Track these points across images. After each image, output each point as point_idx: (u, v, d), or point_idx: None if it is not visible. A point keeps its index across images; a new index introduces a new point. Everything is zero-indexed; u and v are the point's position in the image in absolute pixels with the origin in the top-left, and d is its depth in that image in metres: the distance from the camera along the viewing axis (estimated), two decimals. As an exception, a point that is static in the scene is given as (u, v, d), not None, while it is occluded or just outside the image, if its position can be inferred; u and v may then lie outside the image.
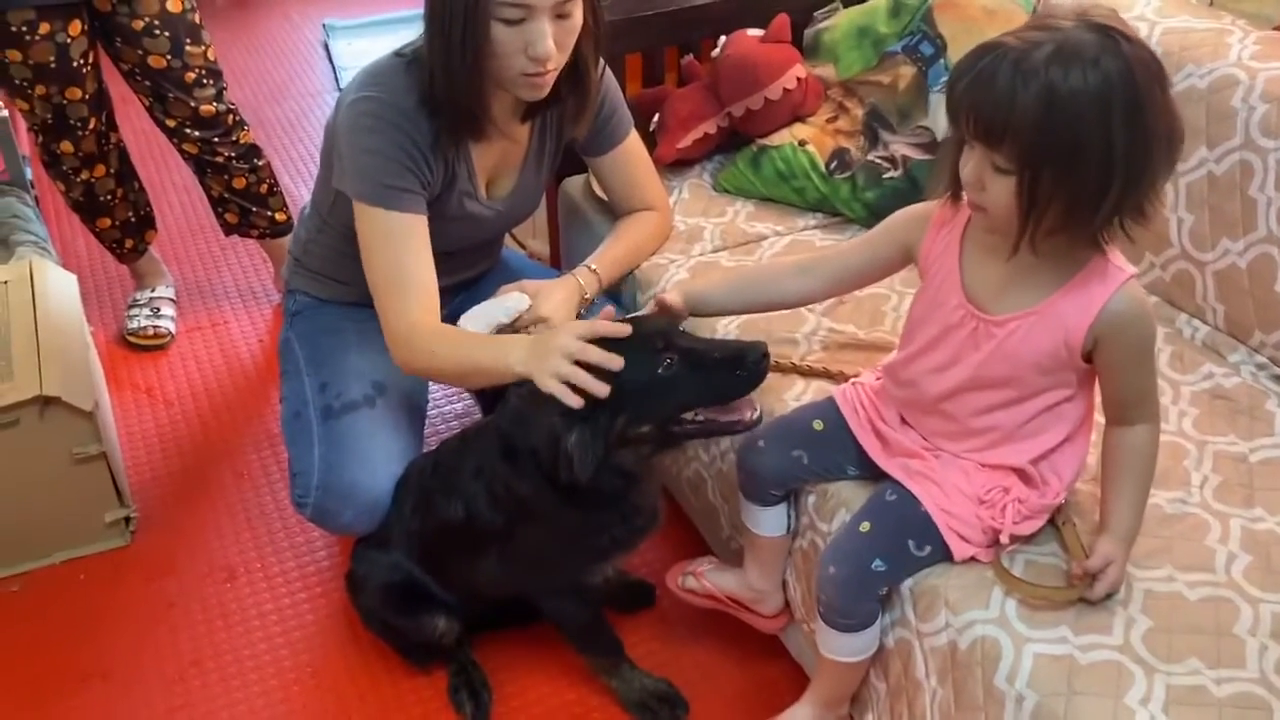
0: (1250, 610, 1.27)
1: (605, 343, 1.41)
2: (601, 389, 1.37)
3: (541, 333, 1.65)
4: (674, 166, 2.16)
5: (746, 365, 1.39)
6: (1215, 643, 1.24)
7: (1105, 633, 1.25)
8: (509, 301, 1.75)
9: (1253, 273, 1.61)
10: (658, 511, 1.58)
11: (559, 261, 2.32)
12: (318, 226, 1.87)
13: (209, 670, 1.80)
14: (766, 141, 2.08)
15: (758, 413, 1.44)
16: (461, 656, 1.75)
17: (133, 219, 2.49)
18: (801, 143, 2.05)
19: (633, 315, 1.46)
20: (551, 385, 1.39)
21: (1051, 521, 1.38)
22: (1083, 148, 1.12)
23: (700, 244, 1.97)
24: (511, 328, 1.70)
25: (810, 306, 1.76)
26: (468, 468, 1.55)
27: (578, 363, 1.39)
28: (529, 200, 1.87)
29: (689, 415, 1.43)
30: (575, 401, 1.37)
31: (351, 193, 1.63)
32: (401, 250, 1.62)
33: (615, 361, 1.38)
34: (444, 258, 1.76)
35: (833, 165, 2.01)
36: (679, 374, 1.39)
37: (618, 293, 1.95)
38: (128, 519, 2.02)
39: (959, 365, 1.33)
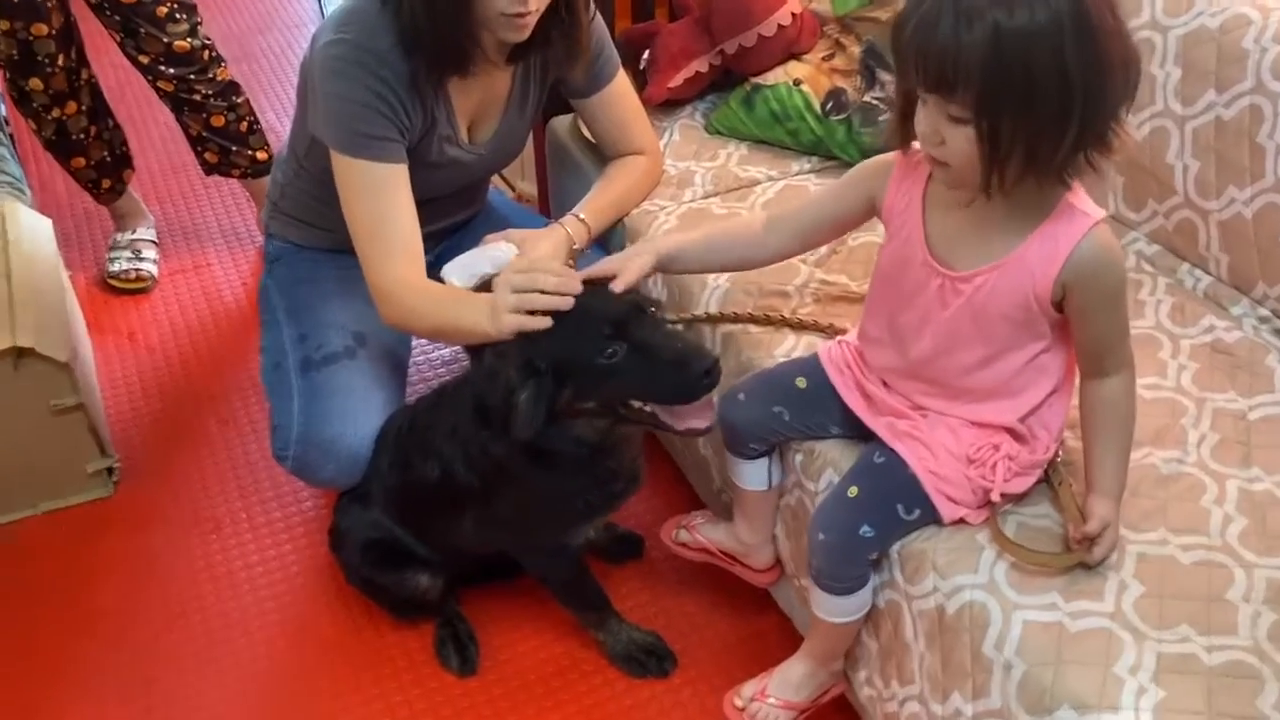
0: (1244, 575, 1.24)
1: (573, 315, 1.37)
2: (543, 323, 1.35)
3: None
4: (665, 107, 2.09)
5: (690, 374, 1.33)
6: (1207, 609, 1.21)
7: (1096, 598, 1.23)
8: (494, 251, 1.70)
9: (1258, 222, 1.55)
10: (638, 474, 1.55)
11: (547, 204, 2.26)
12: (294, 170, 1.81)
13: (194, 624, 1.79)
14: (760, 80, 2.01)
15: (708, 424, 1.39)
16: (448, 610, 1.74)
17: (108, 158, 2.42)
18: (796, 82, 1.98)
19: (600, 288, 1.40)
20: (510, 324, 1.36)
21: (1046, 480, 1.35)
22: (1038, 85, 1.08)
23: (691, 189, 1.91)
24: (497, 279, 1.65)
25: (802, 257, 1.70)
26: (443, 427, 1.52)
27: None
28: (513, 144, 1.81)
29: (638, 405, 1.39)
30: (539, 323, 1.36)
31: (328, 141, 1.57)
32: (382, 202, 1.57)
33: (564, 303, 1.36)
34: (427, 204, 1.70)
35: (828, 106, 1.94)
36: (623, 365, 1.34)
37: (605, 241, 1.90)
38: (110, 469, 1.99)
39: (929, 324, 1.30)
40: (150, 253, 2.53)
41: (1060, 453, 1.37)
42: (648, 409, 1.38)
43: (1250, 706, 1.12)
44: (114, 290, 2.47)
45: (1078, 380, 1.32)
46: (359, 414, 1.65)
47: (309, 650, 1.75)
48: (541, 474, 1.45)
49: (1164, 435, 1.42)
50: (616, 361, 1.33)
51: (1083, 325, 1.26)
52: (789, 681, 1.49)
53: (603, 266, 1.44)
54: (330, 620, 1.79)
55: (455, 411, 1.51)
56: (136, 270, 2.48)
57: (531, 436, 1.35)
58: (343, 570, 1.76)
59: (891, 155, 1.34)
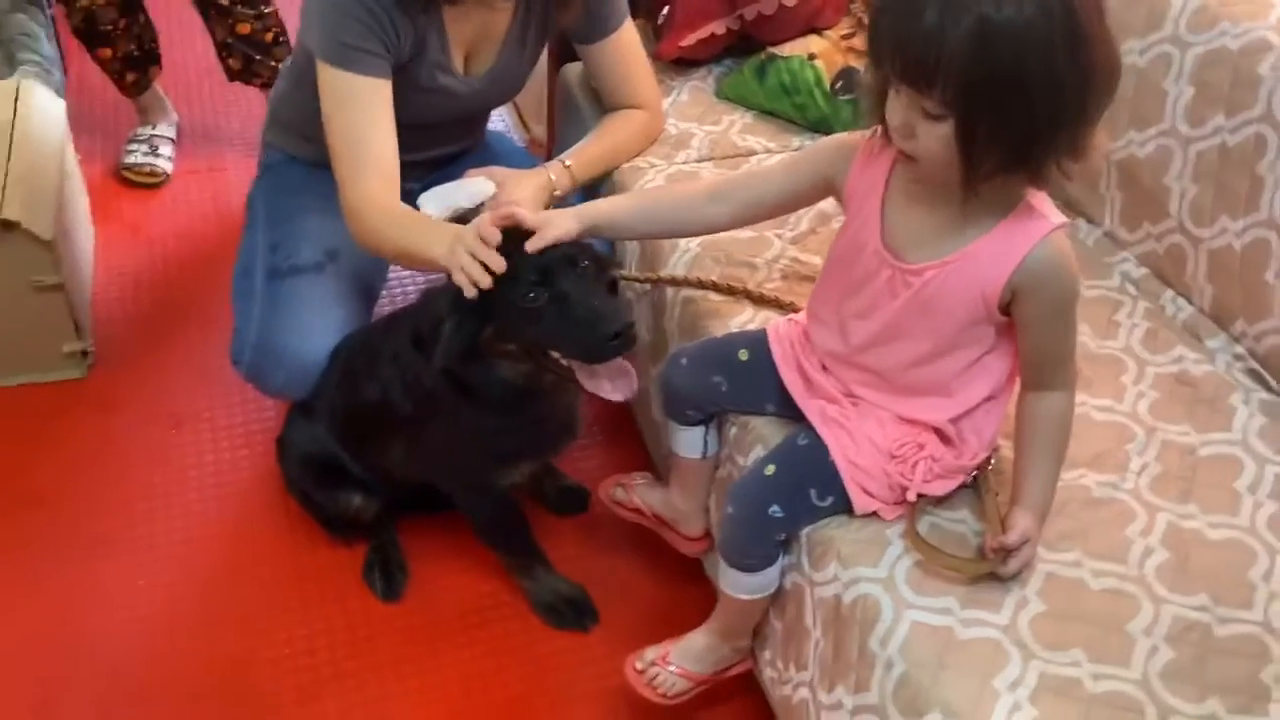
0: (1151, 609, 1.21)
1: (508, 242, 1.35)
2: (476, 286, 1.32)
3: None
4: (679, 66, 2.06)
5: (598, 334, 1.30)
6: (1104, 636, 1.18)
7: (993, 609, 1.20)
8: (472, 186, 1.69)
9: (1246, 256, 1.50)
10: (572, 426, 1.55)
11: (552, 150, 2.24)
12: (295, 80, 1.81)
13: (137, 511, 1.82)
14: (776, 51, 1.97)
15: (621, 395, 1.36)
16: (383, 535, 1.75)
17: (135, 52, 2.45)
18: (811, 56, 1.94)
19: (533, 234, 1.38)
20: (457, 275, 1.35)
21: (974, 486, 1.32)
22: (1022, 86, 1.04)
23: (686, 151, 1.88)
24: (475, 213, 1.64)
25: (777, 232, 1.68)
26: (388, 351, 1.53)
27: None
28: (510, 81, 1.79)
29: (557, 356, 1.37)
30: (468, 291, 1.33)
31: (313, 47, 1.57)
32: (360, 117, 1.57)
33: (497, 263, 1.32)
34: (418, 130, 1.70)
35: (838, 85, 1.90)
36: (542, 312, 1.33)
37: (593, 193, 1.88)
38: (85, 352, 2.03)
39: (876, 313, 1.26)
40: (167, 149, 2.56)
41: (993, 461, 1.33)
42: (565, 363, 1.37)
43: (1123, 738, 1.10)
44: (127, 182, 2.51)
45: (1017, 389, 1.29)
46: (315, 328, 1.66)
47: (244, 553, 1.78)
48: (467, 409, 1.45)
49: (1104, 459, 1.38)
50: (536, 306, 1.32)
51: (1028, 333, 1.23)
52: (691, 651, 1.48)
53: (527, 219, 1.40)
54: (269, 528, 1.81)
55: (400, 337, 1.52)
56: (151, 165, 2.51)
57: (451, 366, 1.35)
58: (285, 481, 1.78)
59: (855, 136, 1.30)
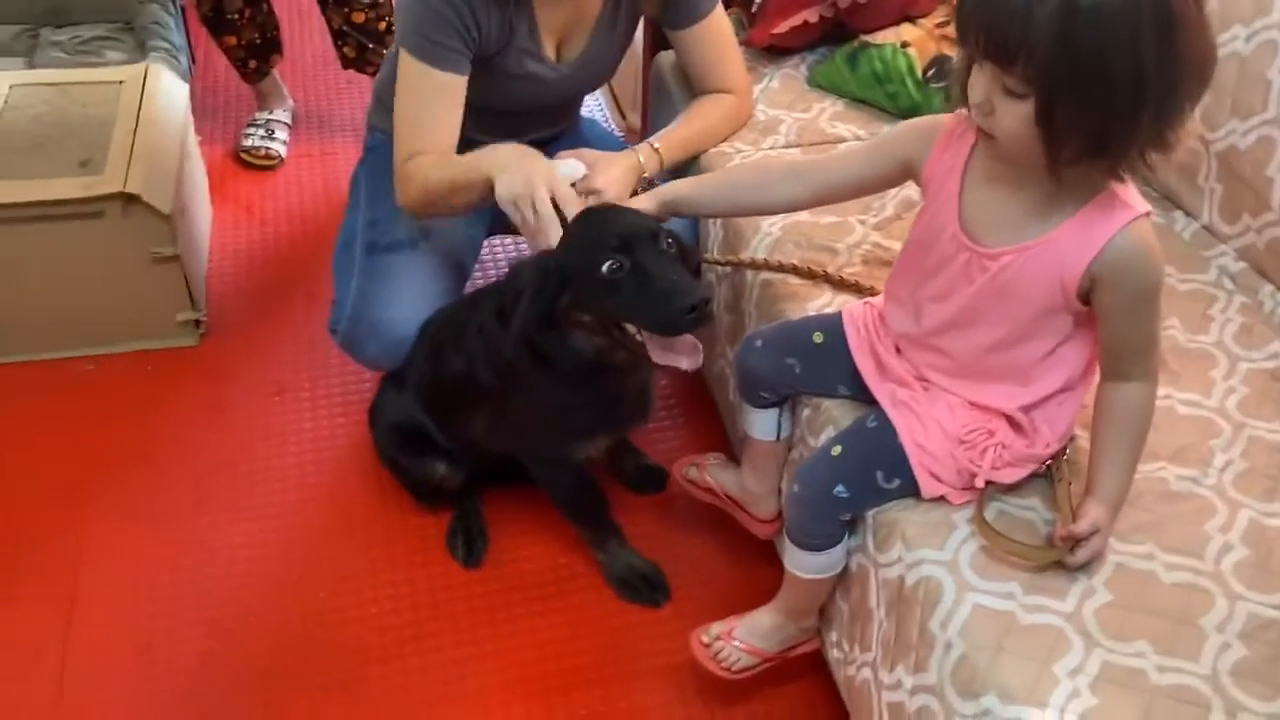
0: (1226, 605, 1.18)
1: (587, 225, 1.40)
2: (543, 220, 1.41)
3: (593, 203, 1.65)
4: (771, 54, 2.07)
5: (675, 306, 1.33)
6: (1173, 630, 1.16)
7: (1058, 597, 1.19)
8: (563, 167, 1.73)
9: (1351, 251, 1.44)
10: (646, 406, 1.58)
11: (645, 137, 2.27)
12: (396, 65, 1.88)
13: (239, 473, 1.92)
14: (869, 39, 1.96)
15: (687, 365, 1.39)
16: (466, 504, 1.81)
17: (258, 40, 2.57)
18: (904, 44, 1.93)
19: (622, 207, 1.42)
20: (505, 201, 1.41)
21: (1046, 474, 1.31)
22: (1107, 70, 1.02)
23: (773, 138, 1.90)
24: None
25: (861, 217, 1.68)
26: (473, 323, 1.58)
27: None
28: (599, 67, 1.83)
29: (631, 330, 1.40)
30: (529, 220, 1.42)
31: (397, 33, 1.64)
32: (427, 106, 1.65)
33: (549, 217, 1.41)
34: (510, 116, 1.76)
35: (930, 73, 1.89)
36: (621, 282, 1.36)
37: (680, 176, 1.91)
38: (198, 321, 2.14)
39: (952, 297, 1.26)
40: (282, 134, 2.68)
41: (1067, 451, 1.32)
42: (639, 338, 1.40)
43: (1186, 731, 1.07)
44: (244, 164, 2.63)
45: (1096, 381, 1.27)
46: (407, 301, 1.73)
47: (335, 517, 1.86)
48: (543, 379, 1.49)
49: (1186, 453, 1.34)
50: (616, 277, 1.35)
51: (1107, 323, 1.21)
52: (757, 628, 1.49)
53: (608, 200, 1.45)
54: (360, 492, 1.89)
55: (485, 311, 1.57)
56: (267, 148, 2.63)
57: (528, 333, 1.39)
58: (376, 448, 1.86)
59: (936, 119, 1.30)
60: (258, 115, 2.71)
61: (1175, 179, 1.71)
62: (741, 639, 1.50)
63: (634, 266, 1.36)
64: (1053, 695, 1.10)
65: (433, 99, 1.64)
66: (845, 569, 1.39)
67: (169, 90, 2.24)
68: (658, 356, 1.39)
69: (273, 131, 2.67)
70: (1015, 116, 1.08)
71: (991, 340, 1.26)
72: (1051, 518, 1.27)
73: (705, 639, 1.52)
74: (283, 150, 2.66)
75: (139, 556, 1.78)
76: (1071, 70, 1.02)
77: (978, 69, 1.11)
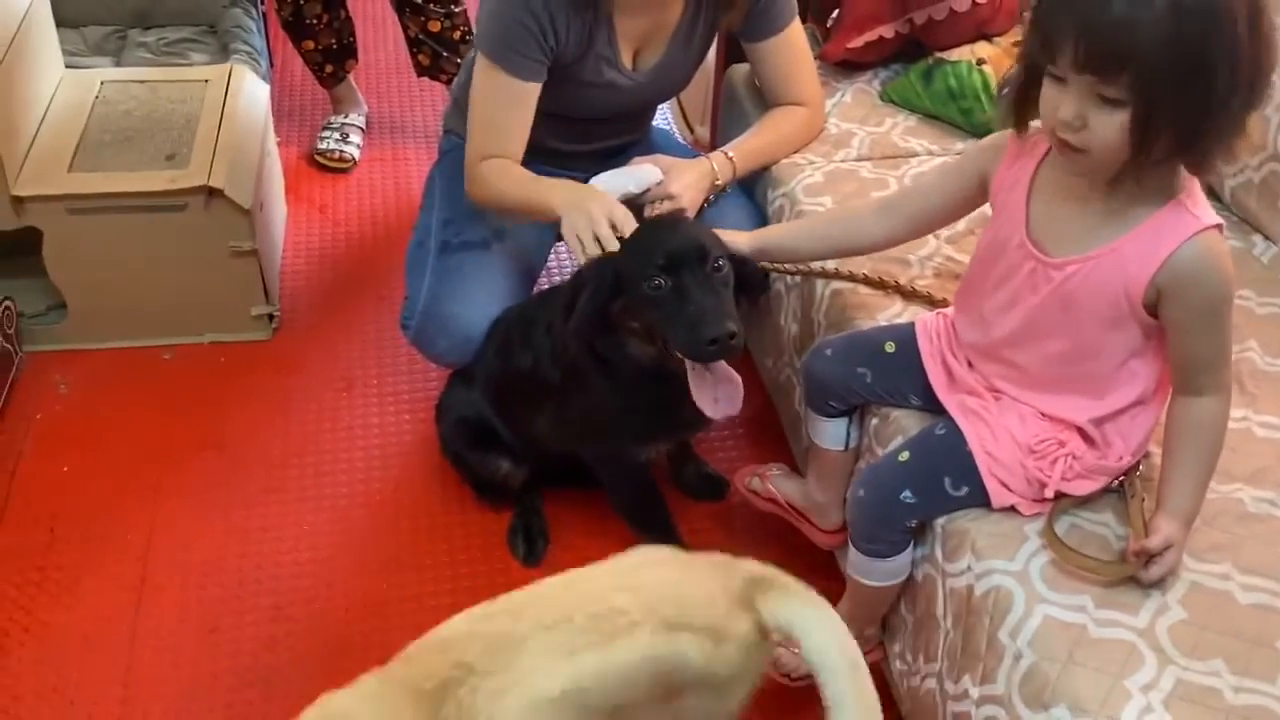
0: (1304, 627, 1.16)
1: (645, 237, 1.46)
2: (605, 245, 1.48)
3: (665, 209, 1.68)
4: (845, 68, 2.08)
5: (700, 333, 1.36)
6: (1250, 650, 1.14)
7: (1130, 612, 1.18)
8: (640, 173, 1.76)
9: None
10: (702, 415, 1.59)
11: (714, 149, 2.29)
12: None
13: (307, 464, 1.96)
14: (944, 56, 1.97)
15: (724, 414, 1.45)
16: (528, 503, 1.83)
17: (335, 46, 2.63)
18: (979, 61, 1.93)
19: (686, 223, 1.46)
20: (569, 235, 1.47)
21: (1119, 490, 1.29)
22: (1209, 64, 1.03)
23: (845, 150, 1.91)
24: (640, 199, 1.72)
25: (936, 232, 1.68)
26: (541, 322, 1.61)
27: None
28: (675, 76, 1.85)
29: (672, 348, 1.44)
30: (591, 249, 1.47)
31: (478, 38, 1.68)
32: (502, 111, 1.69)
33: (609, 240, 1.47)
34: (584, 123, 1.79)
35: (1005, 90, 1.88)
36: (661, 299, 1.40)
37: (751, 186, 1.93)
38: (271, 315, 2.19)
39: (1017, 308, 1.26)
40: (356, 138, 2.74)
41: (1141, 466, 1.30)
42: (684, 359, 1.43)
43: (1263, 753, 1.06)
44: (318, 166, 2.69)
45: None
46: (479, 298, 1.76)
47: (401, 508, 1.89)
48: (602, 380, 1.52)
49: (1263, 475, 1.33)
50: (657, 294, 1.39)
51: (1176, 336, 1.20)
52: (818, 637, 1.49)
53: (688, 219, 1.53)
54: (424, 488, 1.92)
55: (552, 310, 1.59)
56: (341, 151, 2.69)
57: (584, 331, 1.43)
58: (440, 442, 1.88)
59: (1007, 133, 1.30)
60: (333, 119, 2.76)
61: (1255, 202, 1.69)
62: (802, 647, 1.50)
63: (674, 286, 1.40)
64: (1125, 710, 1.09)
65: (508, 105, 1.68)
66: (911, 579, 1.39)
67: (251, 91, 2.30)
68: (693, 389, 1.43)
69: (347, 135, 2.73)
70: (1112, 127, 1.08)
71: (1059, 352, 1.26)
72: (1125, 533, 1.25)
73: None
74: (356, 154, 2.71)
75: (208, 541, 1.81)
76: (1177, 69, 1.03)
77: (1060, 85, 1.11)
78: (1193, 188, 1.16)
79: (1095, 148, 1.11)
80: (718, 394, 1.42)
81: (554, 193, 1.61)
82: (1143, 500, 1.26)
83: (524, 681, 1.05)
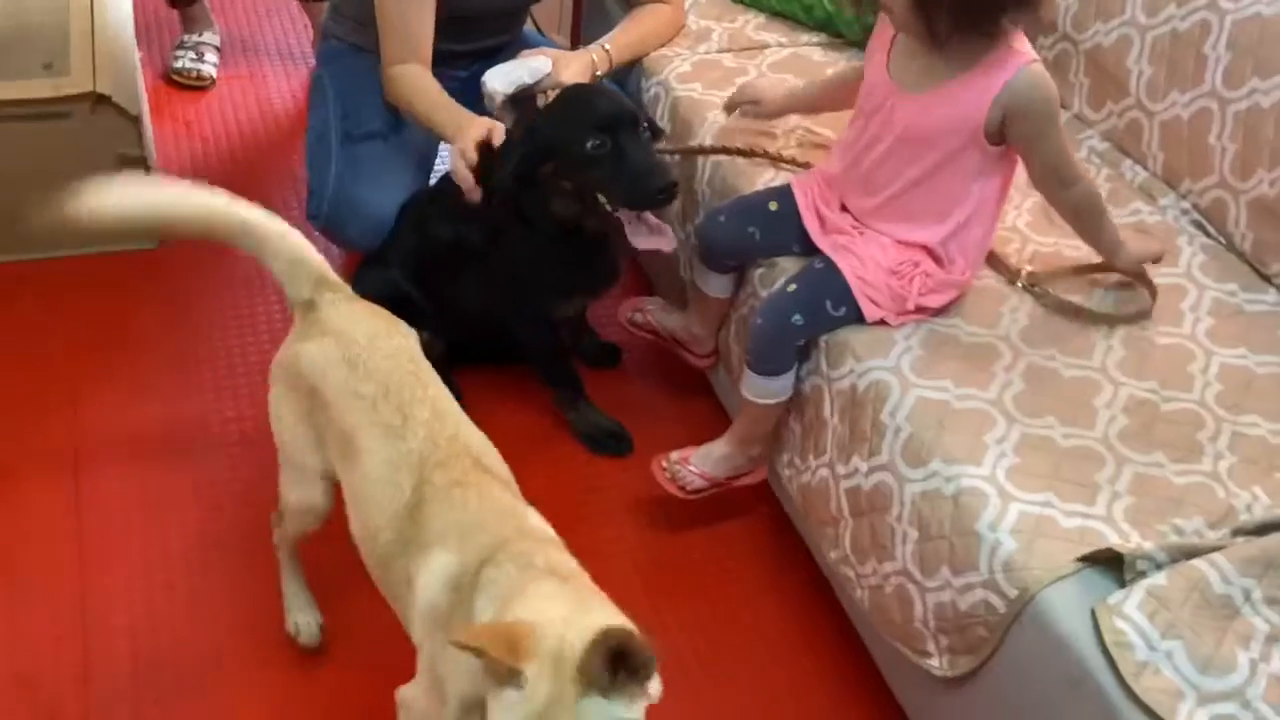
0: (1111, 389, 1.48)
1: (586, 96, 1.63)
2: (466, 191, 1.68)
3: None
4: (697, -27, 2.29)
5: (648, 184, 1.57)
6: (1073, 409, 1.45)
7: (982, 388, 1.46)
8: (533, 63, 1.91)
9: (1193, 125, 1.76)
10: (615, 271, 1.82)
11: (577, 53, 2.46)
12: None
13: (218, 352, 2.06)
14: (786, -41, 2.21)
15: (668, 248, 1.65)
16: (441, 374, 1.97)
17: (184, -36, 2.63)
18: (817, -36, 2.18)
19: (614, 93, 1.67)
20: (463, 145, 1.66)
21: (1032, 293, 1.60)
22: None
23: (707, 44, 2.12)
24: (533, 88, 1.87)
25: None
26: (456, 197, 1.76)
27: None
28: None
29: (603, 202, 1.62)
30: (467, 183, 1.66)
31: None
32: (407, 6, 1.82)
33: (465, 180, 1.67)
34: (463, 22, 1.93)
35: (839, -17, 2.14)
36: (601, 158, 1.59)
37: (624, 80, 2.12)
38: (159, 224, 2.22)
39: (882, 140, 1.53)
40: (211, 56, 2.75)
41: (1027, 268, 1.62)
42: (616, 213, 1.61)
43: (1087, 477, 1.36)
44: (176, 85, 2.69)
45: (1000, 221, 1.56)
46: (387, 184, 1.89)
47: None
48: (527, 239, 1.70)
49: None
50: (598, 154, 1.58)
51: (1030, 150, 1.50)
52: (710, 456, 1.72)
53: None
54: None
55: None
56: (197, 70, 2.70)
57: (508, 186, 1.60)
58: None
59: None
60: (186, 38, 2.76)
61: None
62: (696, 465, 1.73)
63: (615, 146, 1.58)
64: (985, 457, 1.37)
65: (410, 5, 1.82)
66: (799, 394, 1.64)
67: (115, 1, 2.30)
68: (638, 242, 1.62)
69: (202, 54, 2.73)
70: (899, 2, 1.38)
71: (913, 174, 1.53)
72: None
73: (664, 464, 1.74)
74: (213, 72, 2.73)
75: (135, 431, 1.89)
76: None
77: None
78: (1019, 34, 1.44)
79: (894, 9, 1.42)
80: (654, 235, 1.63)
81: (446, 128, 1.78)
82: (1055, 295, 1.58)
83: None
